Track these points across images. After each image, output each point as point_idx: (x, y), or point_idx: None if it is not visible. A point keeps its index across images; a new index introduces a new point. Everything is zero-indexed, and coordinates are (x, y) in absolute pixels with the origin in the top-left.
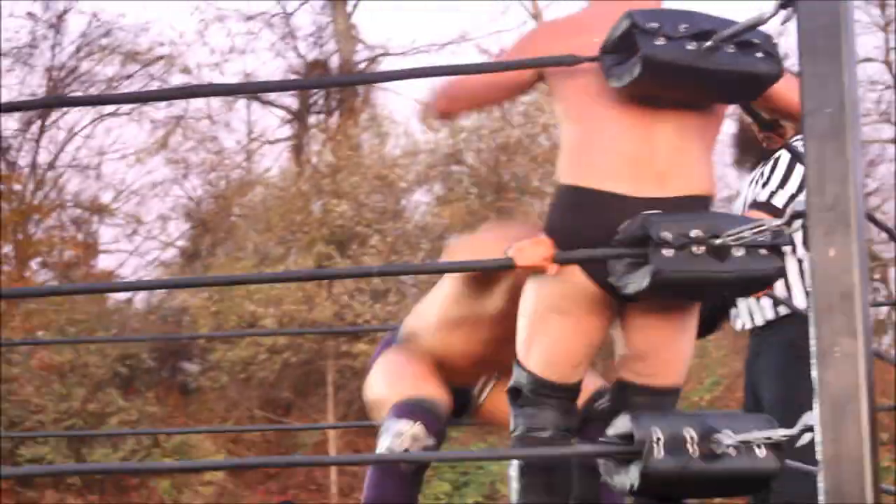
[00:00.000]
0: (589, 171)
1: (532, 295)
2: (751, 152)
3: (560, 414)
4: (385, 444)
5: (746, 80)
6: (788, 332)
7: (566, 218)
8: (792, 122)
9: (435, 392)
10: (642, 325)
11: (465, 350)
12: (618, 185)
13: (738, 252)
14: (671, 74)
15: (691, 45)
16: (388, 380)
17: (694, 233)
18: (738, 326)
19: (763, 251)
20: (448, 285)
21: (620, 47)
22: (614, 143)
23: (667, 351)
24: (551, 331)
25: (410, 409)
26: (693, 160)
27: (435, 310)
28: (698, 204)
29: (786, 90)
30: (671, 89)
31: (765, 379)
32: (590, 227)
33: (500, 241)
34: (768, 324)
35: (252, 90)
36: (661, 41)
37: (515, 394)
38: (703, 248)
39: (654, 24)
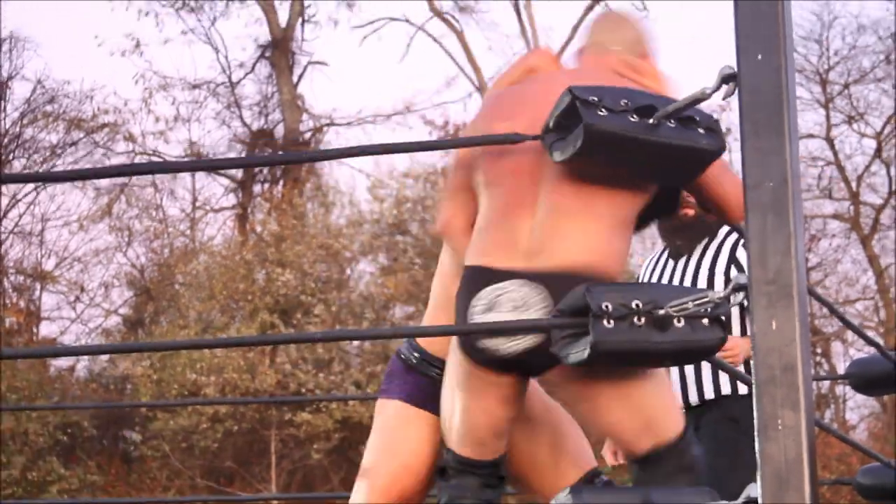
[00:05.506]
0: (471, 250)
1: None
2: (677, 233)
3: (482, 486)
4: None
5: (689, 153)
6: (730, 408)
7: (457, 296)
8: (717, 213)
9: (380, 495)
10: (565, 399)
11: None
12: (489, 259)
13: (680, 323)
14: (614, 146)
15: (633, 118)
16: (372, 448)
17: (635, 303)
18: None
19: (705, 321)
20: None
21: (562, 125)
22: (490, 224)
23: (607, 420)
24: (453, 406)
25: None
26: (568, 236)
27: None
28: (566, 279)
29: (714, 180)
30: (614, 163)
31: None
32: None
33: None
34: (705, 403)
35: (202, 167)
36: (602, 112)
37: (442, 472)
38: (643, 320)
39: (595, 98)
